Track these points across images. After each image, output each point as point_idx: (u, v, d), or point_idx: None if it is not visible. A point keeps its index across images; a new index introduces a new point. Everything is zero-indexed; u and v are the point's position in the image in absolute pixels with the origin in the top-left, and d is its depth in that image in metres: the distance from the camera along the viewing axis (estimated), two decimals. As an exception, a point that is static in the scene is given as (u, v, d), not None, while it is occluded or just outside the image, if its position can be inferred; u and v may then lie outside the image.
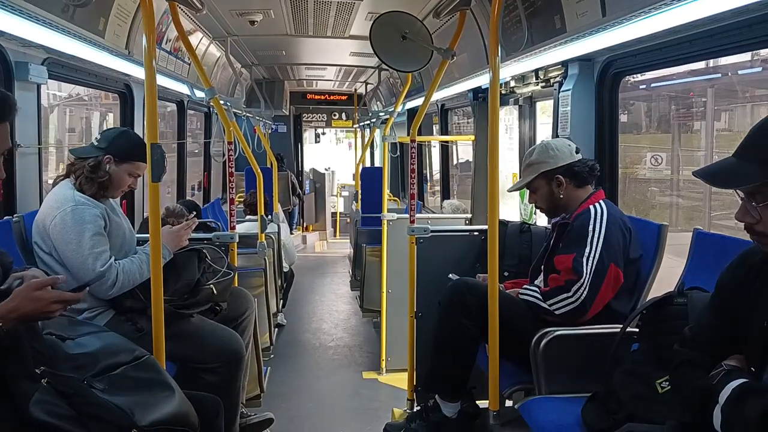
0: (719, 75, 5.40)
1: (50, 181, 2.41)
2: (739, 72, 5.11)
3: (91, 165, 2.23)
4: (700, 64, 5.07)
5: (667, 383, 1.66)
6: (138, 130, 3.79)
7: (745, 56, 4.43)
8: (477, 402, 2.53)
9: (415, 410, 2.75)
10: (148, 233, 1.99)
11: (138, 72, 3.31)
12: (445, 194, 6.22)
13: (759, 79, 5.04)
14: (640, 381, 1.74)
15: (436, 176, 7.87)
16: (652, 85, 5.91)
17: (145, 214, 3.75)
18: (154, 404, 1.52)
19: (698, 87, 5.76)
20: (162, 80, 3.80)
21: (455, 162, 7.10)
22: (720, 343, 1.37)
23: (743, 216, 1.24)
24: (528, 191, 2.54)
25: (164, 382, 1.61)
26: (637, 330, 1.89)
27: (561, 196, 2.37)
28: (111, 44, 2.72)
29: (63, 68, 2.98)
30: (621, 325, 1.91)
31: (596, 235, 2.20)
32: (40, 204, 2.33)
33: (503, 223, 2.95)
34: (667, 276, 2.28)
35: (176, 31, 3.00)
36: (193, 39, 4.10)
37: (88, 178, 2.23)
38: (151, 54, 1.85)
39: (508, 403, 2.43)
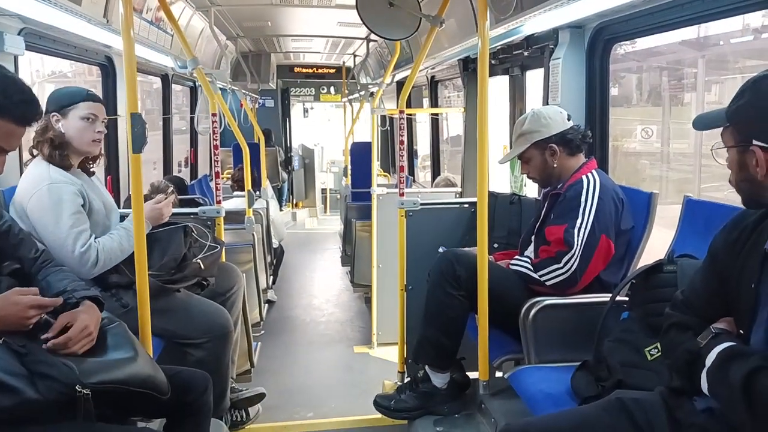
0: (711, 45, 5.36)
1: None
2: (732, 41, 5.05)
3: (40, 128, 2.14)
4: (692, 34, 5.02)
5: (657, 351, 1.67)
6: (121, 104, 3.71)
7: (737, 25, 4.38)
8: (467, 372, 2.53)
9: (405, 382, 2.75)
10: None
11: (119, 43, 3.20)
12: (436, 170, 6.17)
13: (750, 49, 4.99)
14: (630, 349, 1.74)
15: (419, 150, 7.81)
16: (643, 56, 5.86)
17: (130, 190, 3.68)
18: (109, 365, 1.51)
19: (689, 57, 5.71)
20: (144, 51, 3.70)
21: (446, 137, 7.03)
22: (711, 305, 1.36)
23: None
24: (519, 162, 2.51)
25: (128, 347, 1.59)
26: (626, 299, 1.89)
27: (554, 166, 2.34)
28: (88, 12, 2.63)
29: (41, 39, 2.88)
30: (611, 294, 1.91)
31: (588, 206, 2.18)
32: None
33: (493, 195, 2.93)
34: (657, 246, 2.27)
35: (156, -1, 2.91)
36: (175, 9, 3.97)
37: (42, 141, 2.15)
38: (128, 21, 1.79)
39: (498, 373, 2.44)
